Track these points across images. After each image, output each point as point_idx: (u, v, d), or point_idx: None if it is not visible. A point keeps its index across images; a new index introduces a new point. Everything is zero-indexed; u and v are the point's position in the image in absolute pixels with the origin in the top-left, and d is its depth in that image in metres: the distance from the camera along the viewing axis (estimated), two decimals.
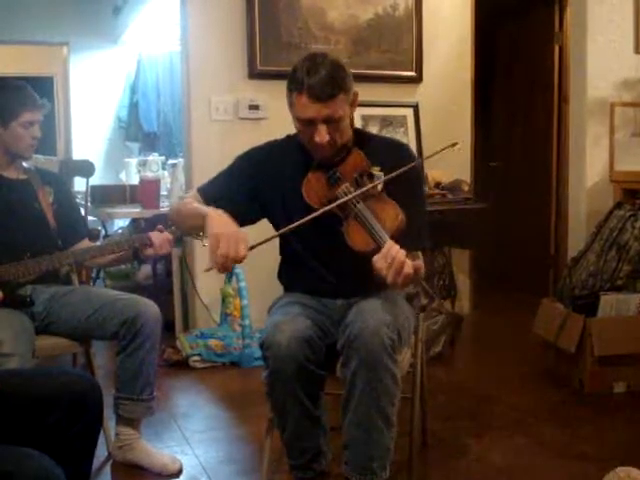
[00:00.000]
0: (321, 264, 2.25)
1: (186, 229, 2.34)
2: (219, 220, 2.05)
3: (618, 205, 3.74)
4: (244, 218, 2.23)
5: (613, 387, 3.38)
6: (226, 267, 1.99)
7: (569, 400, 3.34)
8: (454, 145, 2.21)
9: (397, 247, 1.89)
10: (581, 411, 3.20)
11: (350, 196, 2.08)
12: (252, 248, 2.01)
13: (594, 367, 3.36)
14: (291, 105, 2.14)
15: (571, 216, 4.91)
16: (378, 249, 1.93)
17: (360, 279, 2.17)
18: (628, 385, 3.39)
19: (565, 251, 4.96)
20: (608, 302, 3.42)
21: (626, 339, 3.37)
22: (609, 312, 3.42)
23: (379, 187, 2.13)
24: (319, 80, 2.04)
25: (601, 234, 3.61)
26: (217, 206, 2.17)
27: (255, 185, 2.27)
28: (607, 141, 4.59)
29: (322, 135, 2.08)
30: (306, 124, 2.10)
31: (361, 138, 2.28)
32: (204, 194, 2.27)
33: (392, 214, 2.06)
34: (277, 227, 2.29)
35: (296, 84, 2.08)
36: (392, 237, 1.96)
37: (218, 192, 2.27)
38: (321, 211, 2.08)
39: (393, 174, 2.11)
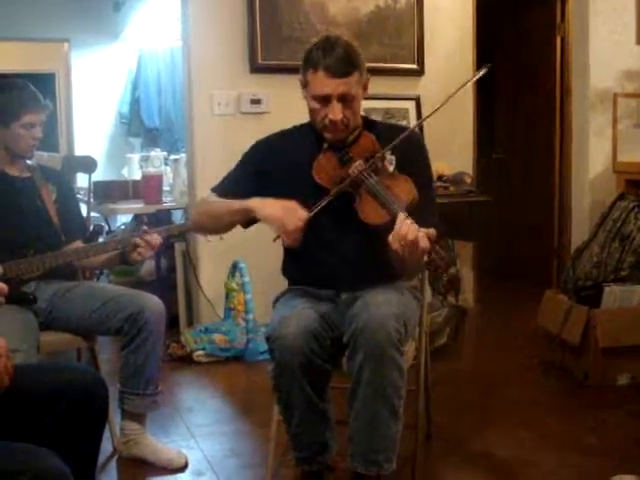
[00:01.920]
0: (329, 251, 2.25)
1: (222, 229, 2.33)
2: (266, 203, 2.13)
3: (621, 196, 3.73)
4: None
5: (617, 379, 3.38)
6: (297, 238, 2.08)
7: (573, 392, 3.34)
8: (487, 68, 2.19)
9: (407, 223, 1.89)
10: (585, 403, 3.20)
11: (363, 169, 2.10)
12: (314, 211, 2.08)
13: (598, 359, 3.36)
14: (305, 84, 2.17)
15: (574, 207, 4.90)
16: (392, 222, 1.94)
17: (368, 267, 2.20)
18: (632, 377, 3.38)
19: (568, 242, 4.95)
20: (612, 293, 3.41)
21: (630, 330, 3.37)
22: (613, 303, 3.42)
23: (390, 168, 2.17)
24: (335, 57, 2.09)
25: (604, 225, 3.61)
26: None
27: (263, 176, 2.29)
28: (610, 132, 4.58)
29: (336, 112, 2.11)
30: (321, 101, 2.13)
31: (368, 124, 2.31)
32: (218, 193, 2.32)
33: (405, 188, 2.08)
34: None
35: (312, 62, 2.12)
36: (406, 210, 1.97)
37: (230, 189, 2.30)
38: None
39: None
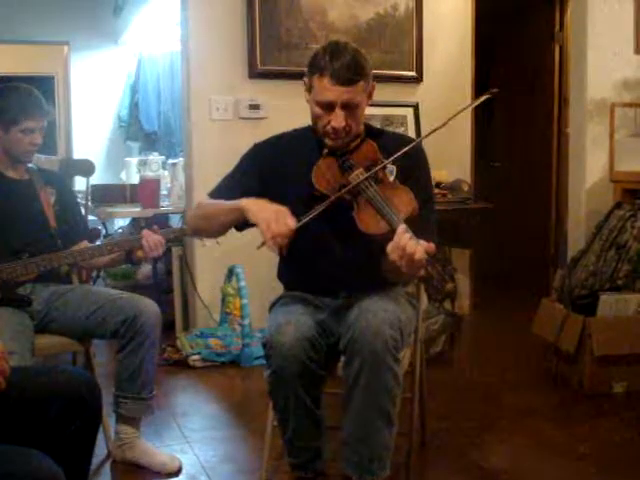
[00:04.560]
0: (326, 258, 2.24)
1: (217, 229, 2.29)
2: (258, 204, 2.08)
3: (618, 205, 3.74)
4: None
5: (612, 387, 3.38)
6: (282, 244, 2.00)
7: (568, 400, 3.34)
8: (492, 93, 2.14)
9: (407, 236, 1.87)
10: (580, 411, 3.21)
11: (364, 177, 2.07)
12: (302, 221, 2.03)
13: (593, 367, 3.36)
14: (310, 89, 2.15)
15: (571, 216, 4.91)
16: (391, 232, 1.92)
17: (365, 273, 2.19)
18: (627, 385, 3.38)
19: (565, 251, 4.96)
20: (607, 302, 3.41)
21: (625, 339, 3.37)
22: (608, 312, 3.42)
23: (390, 178, 2.15)
24: (342, 64, 2.07)
25: (601, 234, 3.62)
26: None
27: (261, 180, 2.27)
28: (607, 141, 4.58)
29: (339, 120, 2.10)
30: (324, 108, 2.11)
31: (372, 132, 2.30)
32: (214, 197, 2.30)
33: (405, 199, 2.06)
34: None
35: (318, 67, 2.09)
36: (405, 221, 1.96)
37: (226, 193, 2.27)
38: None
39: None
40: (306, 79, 2.17)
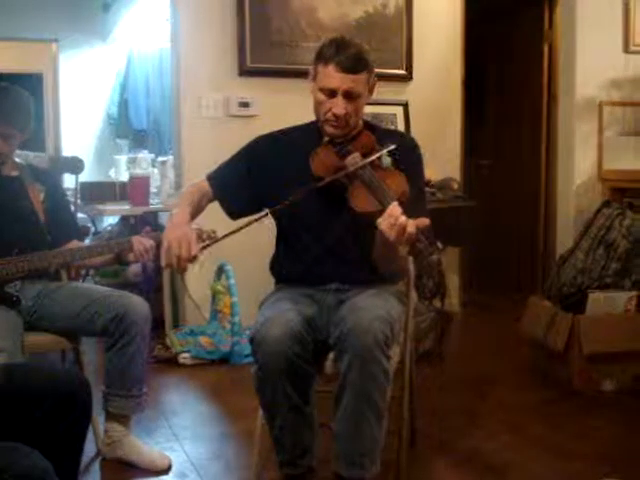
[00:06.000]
0: (320, 243, 2.27)
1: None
2: (174, 223, 2.15)
3: (606, 203, 3.76)
4: (247, 206, 2.31)
5: (601, 385, 3.40)
6: (181, 267, 2.07)
7: (557, 398, 3.36)
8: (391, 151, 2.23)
9: (400, 209, 1.92)
10: (569, 409, 3.22)
11: (361, 161, 2.12)
12: (205, 247, 2.11)
13: (582, 365, 3.38)
14: (315, 77, 2.22)
15: (560, 214, 4.93)
16: (382, 212, 1.96)
17: (355, 263, 2.23)
18: (616, 383, 3.40)
19: (554, 249, 4.98)
20: (596, 300, 3.43)
21: (614, 337, 3.39)
22: (597, 310, 3.44)
23: (387, 164, 2.20)
24: (347, 55, 2.15)
25: (589, 232, 3.63)
26: (221, 192, 2.32)
27: (258, 171, 2.32)
28: (596, 140, 4.62)
29: (340, 107, 2.17)
30: (327, 94, 2.18)
31: (369, 127, 2.35)
32: (209, 181, 2.36)
33: (398, 181, 2.11)
34: (279, 217, 2.32)
35: (324, 56, 2.18)
36: (397, 202, 1.99)
37: (222, 178, 2.36)
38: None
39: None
40: (312, 68, 2.23)
